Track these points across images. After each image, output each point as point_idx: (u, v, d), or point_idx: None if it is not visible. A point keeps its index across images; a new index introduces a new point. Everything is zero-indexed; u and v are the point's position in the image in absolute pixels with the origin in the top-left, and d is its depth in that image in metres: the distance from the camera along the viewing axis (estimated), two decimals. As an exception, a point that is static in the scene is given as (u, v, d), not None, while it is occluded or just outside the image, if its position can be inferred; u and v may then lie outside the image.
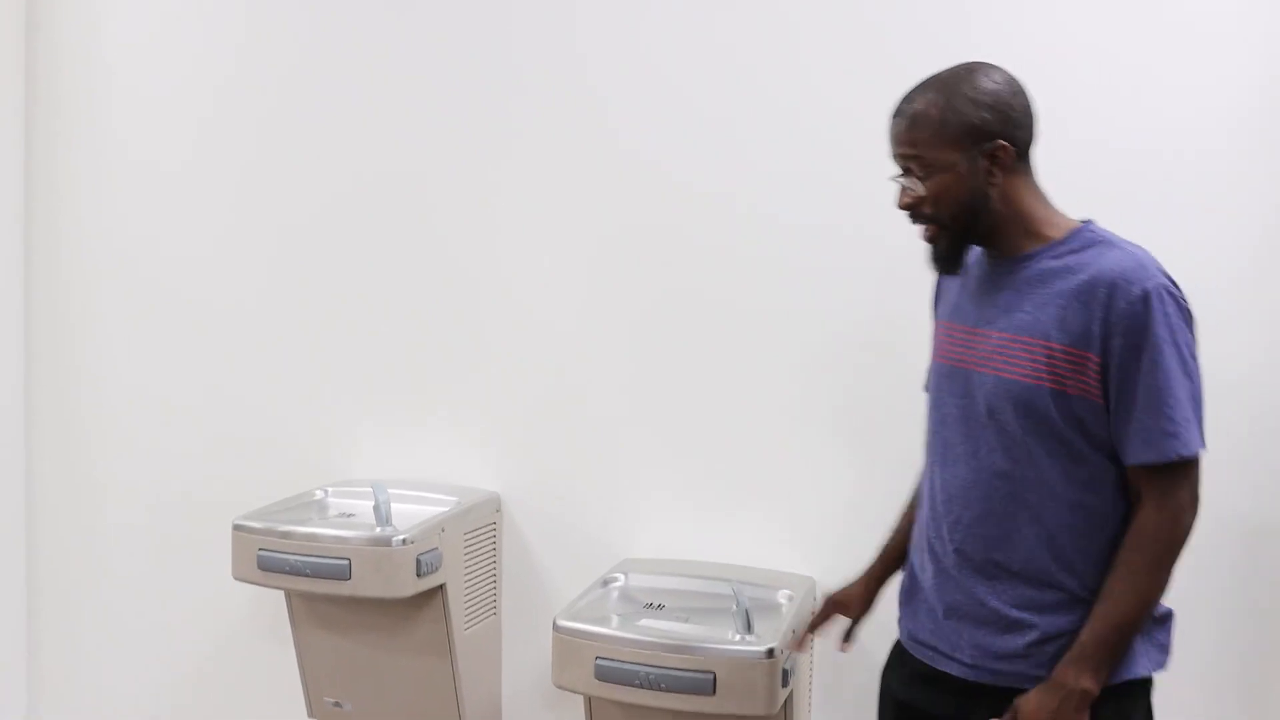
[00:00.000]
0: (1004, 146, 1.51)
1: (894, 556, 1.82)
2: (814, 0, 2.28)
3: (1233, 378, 2.03)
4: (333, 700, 2.54)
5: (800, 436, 2.35)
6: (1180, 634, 1.96)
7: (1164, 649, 1.57)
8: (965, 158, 1.51)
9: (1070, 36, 2.12)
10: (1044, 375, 1.49)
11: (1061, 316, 1.48)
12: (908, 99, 1.56)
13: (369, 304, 2.68)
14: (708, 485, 2.43)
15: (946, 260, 1.60)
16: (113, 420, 2.94)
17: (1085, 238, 1.53)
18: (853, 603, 1.85)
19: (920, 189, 1.54)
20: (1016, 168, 1.54)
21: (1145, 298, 1.44)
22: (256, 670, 2.82)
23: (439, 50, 2.57)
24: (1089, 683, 1.46)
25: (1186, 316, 1.48)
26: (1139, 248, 1.52)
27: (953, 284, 1.69)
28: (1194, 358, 1.48)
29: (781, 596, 2.21)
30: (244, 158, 2.77)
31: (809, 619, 1.94)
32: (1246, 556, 2.09)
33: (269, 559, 2.29)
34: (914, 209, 1.57)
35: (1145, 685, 1.56)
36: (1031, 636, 1.52)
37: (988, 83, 1.53)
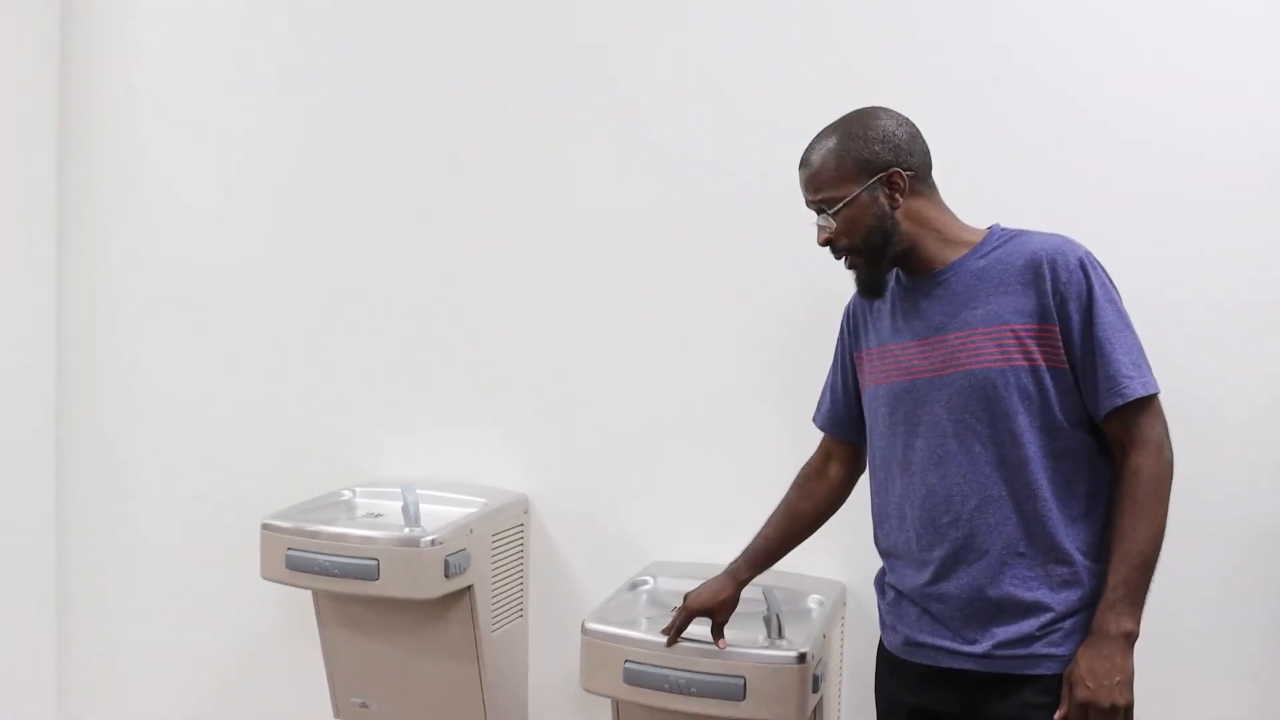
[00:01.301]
0: (898, 172, 1.66)
1: (763, 560, 1.93)
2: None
3: (1236, 380, 2.03)
4: (359, 700, 2.54)
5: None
6: (1185, 633, 2.00)
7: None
8: (865, 189, 1.66)
9: (1096, 28, 2.10)
10: (1015, 355, 1.59)
11: (1014, 301, 1.60)
12: (809, 150, 1.73)
13: (398, 309, 2.69)
14: (738, 488, 2.41)
15: (870, 284, 1.73)
16: (141, 424, 2.96)
17: (1001, 236, 1.68)
18: (722, 609, 1.92)
19: (832, 225, 1.69)
20: (917, 189, 1.69)
21: (1081, 265, 1.59)
22: (284, 670, 2.83)
23: (448, 57, 2.60)
24: (1130, 624, 1.53)
25: (1109, 277, 1.62)
26: (1050, 231, 1.67)
27: (871, 316, 1.80)
28: (1125, 311, 1.61)
29: (812, 601, 2.20)
30: (279, 170, 2.79)
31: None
32: (1250, 556, 2.05)
33: (297, 558, 2.29)
34: (832, 244, 1.71)
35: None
36: (1046, 618, 1.58)
37: (875, 122, 1.69)
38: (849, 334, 1.87)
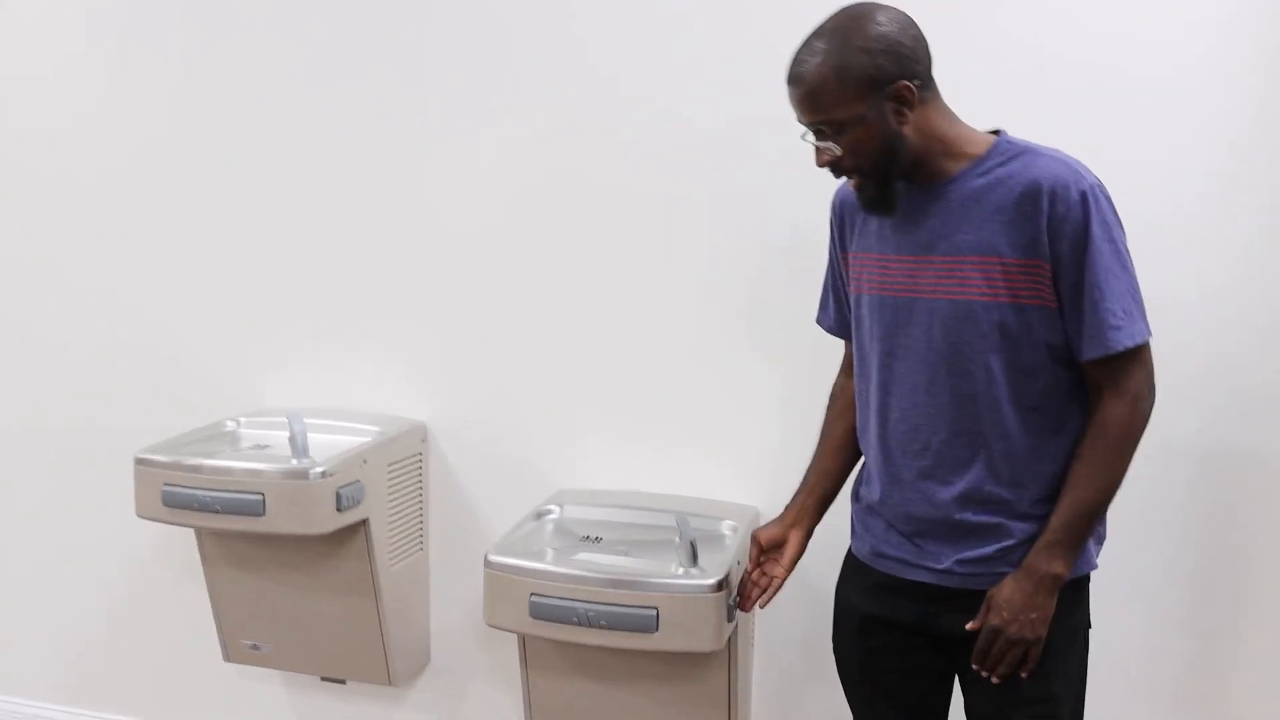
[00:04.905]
0: (906, 86, 1.50)
1: (831, 491, 1.82)
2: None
3: (1191, 298, 1.98)
4: (250, 643, 2.41)
5: (740, 362, 2.24)
6: (1131, 556, 1.95)
7: (1100, 544, 1.64)
8: (871, 107, 1.50)
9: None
10: (1001, 291, 1.51)
11: (1007, 231, 1.50)
12: (799, 63, 1.54)
13: (286, 227, 2.49)
14: (645, 412, 2.31)
15: (879, 202, 1.59)
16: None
17: (1006, 150, 1.55)
18: (793, 550, 1.80)
19: (835, 148, 1.54)
20: (923, 98, 1.53)
21: (1082, 199, 1.48)
22: (168, 614, 2.67)
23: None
24: (1060, 567, 1.52)
25: (1116, 213, 1.53)
26: (1058, 151, 1.55)
27: (859, 216, 1.68)
28: (1127, 251, 1.53)
29: (725, 528, 2.12)
30: (152, 80, 2.54)
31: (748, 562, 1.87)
32: (1199, 479, 2.04)
33: (175, 495, 2.13)
34: (834, 165, 1.57)
35: (1087, 580, 1.64)
36: (1008, 543, 1.57)
37: (874, 27, 1.51)
38: (837, 231, 1.76)
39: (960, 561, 1.59)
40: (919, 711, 1.74)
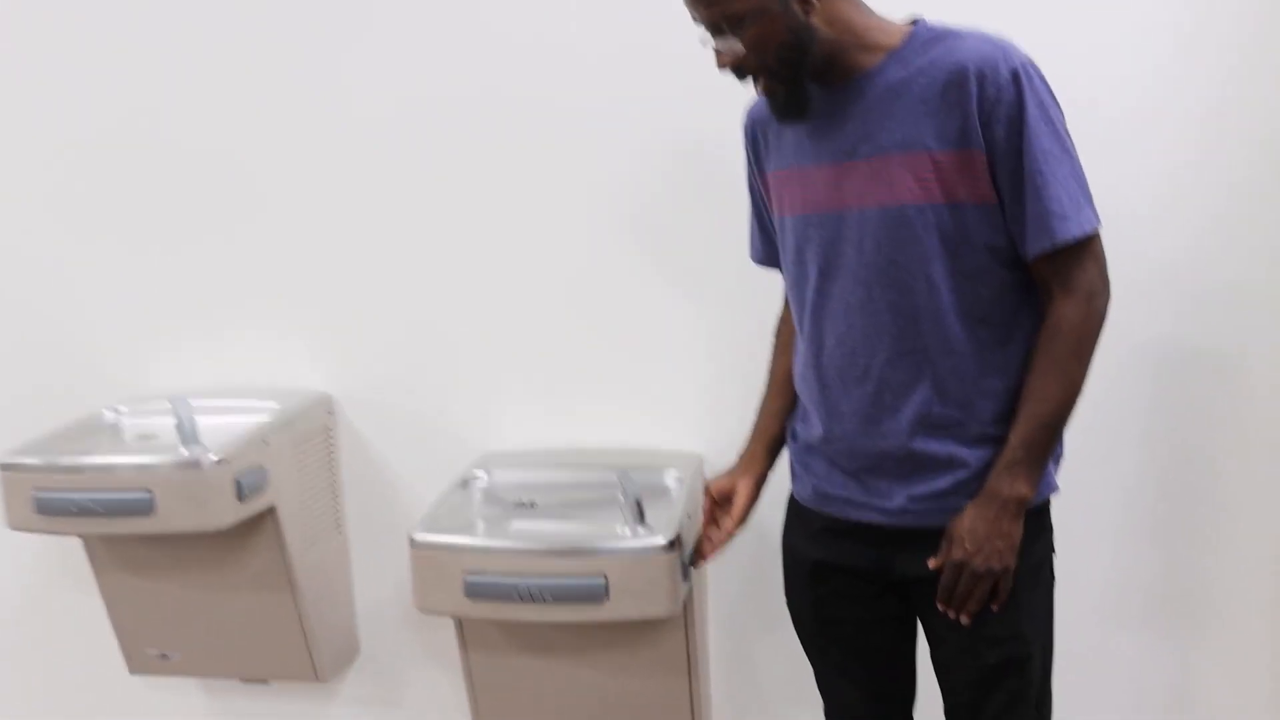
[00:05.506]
0: None
1: (778, 438, 1.65)
2: None
3: (1149, 192, 1.86)
4: (157, 652, 2.19)
5: (660, 297, 2.07)
6: (1097, 460, 1.88)
7: (1058, 463, 1.50)
8: None
9: None
10: (934, 191, 1.38)
11: (934, 123, 1.37)
12: None
13: (158, 192, 2.21)
14: (567, 361, 2.13)
15: (791, 107, 1.44)
16: None
17: (925, 36, 1.42)
18: (742, 500, 1.64)
19: (737, 46, 1.39)
20: None
21: (1014, 78, 1.34)
22: (62, 629, 2.42)
23: None
24: (1023, 488, 1.40)
25: (1052, 93, 1.40)
26: (983, 32, 1.40)
27: (772, 132, 1.54)
28: (1068, 134, 1.39)
29: (669, 478, 1.96)
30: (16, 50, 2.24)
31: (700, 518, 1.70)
32: (1164, 382, 1.94)
33: (50, 501, 1.89)
34: (737, 68, 1.41)
35: (1048, 506, 1.52)
36: (962, 474, 1.43)
37: None
38: (752, 154, 1.61)
39: (913, 498, 1.45)
40: (881, 661, 1.61)
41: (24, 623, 2.45)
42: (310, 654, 2.14)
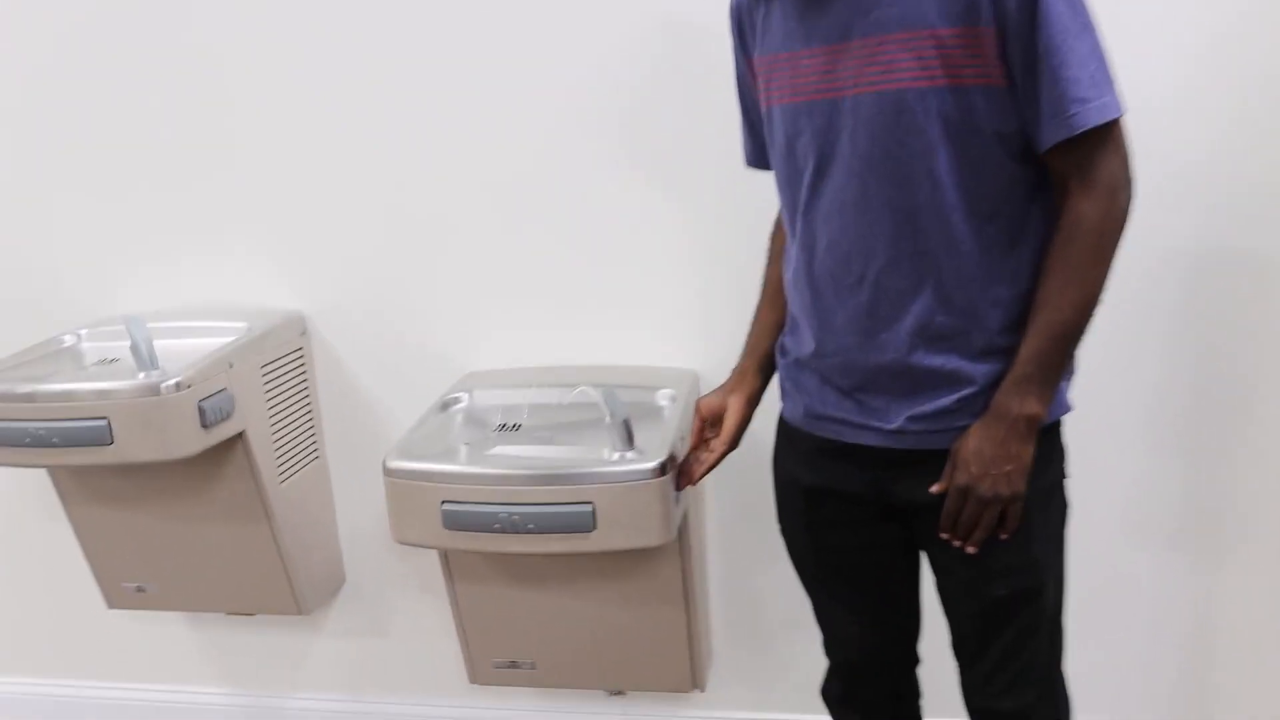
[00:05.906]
0: None
1: (772, 353, 1.53)
2: None
3: (1173, 83, 1.71)
4: (134, 585, 2.10)
5: (656, 201, 1.91)
6: (1119, 370, 1.80)
7: (1070, 379, 1.39)
8: None
9: None
10: (936, 72, 1.23)
11: None
12: None
13: (120, 108, 2.05)
14: (551, 274, 1.99)
15: None
16: None
17: None
18: (734, 419, 1.52)
19: None
20: None
21: None
22: (35, 567, 2.34)
23: None
24: (1034, 406, 1.27)
25: None
26: None
27: (759, 13, 1.40)
28: (1087, 8, 1.23)
29: (662, 398, 1.83)
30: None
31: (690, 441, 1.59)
32: (1191, 286, 1.80)
33: (4, 430, 1.77)
34: None
35: (1059, 426, 1.40)
36: (966, 391, 1.31)
37: None
38: (738, 40, 1.46)
39: (913, 418, 1.33)
40: (882, 592, 1.51)
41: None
42: (291, 586, 2.05)
